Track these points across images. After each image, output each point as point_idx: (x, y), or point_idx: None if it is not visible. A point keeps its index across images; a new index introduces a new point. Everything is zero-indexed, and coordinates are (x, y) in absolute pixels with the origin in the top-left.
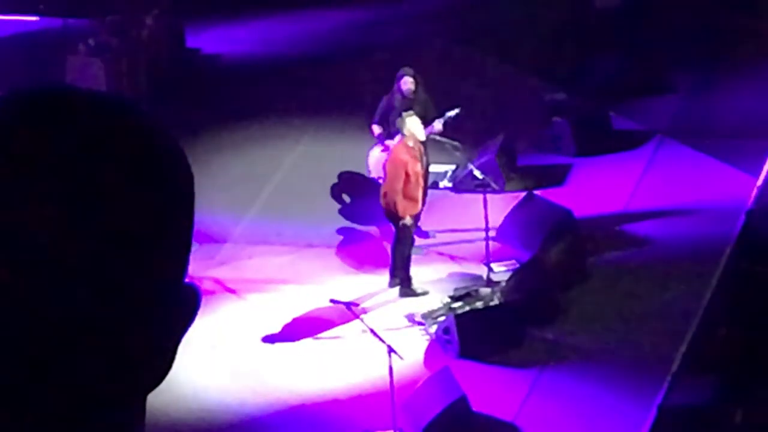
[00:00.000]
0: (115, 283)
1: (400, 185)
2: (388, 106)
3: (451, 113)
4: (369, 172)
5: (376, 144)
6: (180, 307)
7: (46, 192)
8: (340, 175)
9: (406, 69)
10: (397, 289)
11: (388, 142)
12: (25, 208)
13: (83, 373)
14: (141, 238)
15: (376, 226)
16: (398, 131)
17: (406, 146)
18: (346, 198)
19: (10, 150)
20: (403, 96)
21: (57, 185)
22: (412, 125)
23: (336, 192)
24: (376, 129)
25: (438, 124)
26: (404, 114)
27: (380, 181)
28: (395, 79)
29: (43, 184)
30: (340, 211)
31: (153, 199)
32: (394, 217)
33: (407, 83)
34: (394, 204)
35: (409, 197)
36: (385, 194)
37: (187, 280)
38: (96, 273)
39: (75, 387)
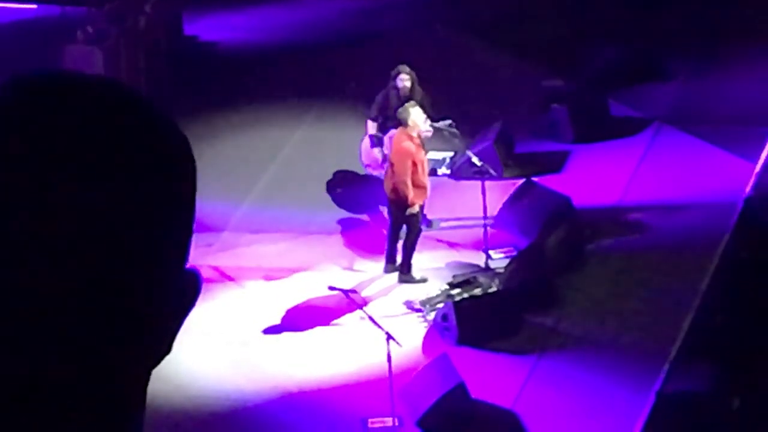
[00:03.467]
0: (117, 267)
1: (408, 174)
2: (385, 102)
3: (443, 124)
4: (362, 161)
5: (365, 136)
6: (181, 291)
7: (47, 177)
8: (336, 173)
9: (402, 66)
10: (395, 276)
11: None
12: (26, 192)
13: (81, 353)
14: (143, 222)
15: (369, 214)
16: (393, 127)
17: (409, 135)
18: (340, 190)
19: (10, 135)
20: (399, 93)
21: (58, 171)
22: (416, 115)
23: (332, 187)
24: (371, 126)
25: (428, 127)
26: (407, 104)
27: (370, 170)
28: (391, 76)
29: (44, 169)
30: (336, 201)
31: (155, 184)
32: (401, 206)
33: (403, 80)
34: (404, 193)
35: (418, 185)
36: (394, 185)
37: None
38: (98, 256)
39: (74, 367)
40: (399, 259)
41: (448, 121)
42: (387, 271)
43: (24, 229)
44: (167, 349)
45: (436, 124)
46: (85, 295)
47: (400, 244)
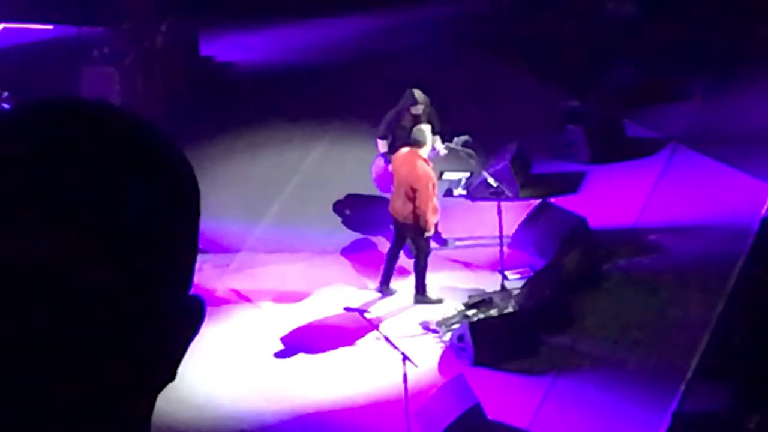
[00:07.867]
0: (117, 292)
1: (432, 198)
2: (395, 123)
3: (460, 140)
4: (374, 182)
5: (378, 156)
6: (184, 317)
7: (48, 200)
8: (346, 197)
9: (417, 94)
10: (411, 296)
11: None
12: (26, 214)
13: (81, 379)
14: (144, 247)
15: (383, 236)
16: (402, 145)
17: (423, 158)
18: (348, 212)
19: (13, 157)
20: (412, 115)
21: (58, 194)
22: (430, 137)
23: (339, 209)
24: (382, 144)
25: (443, 149)
26: (421, 125)
27: (382, 192)
28: (405, 98)
29: (44, 192)
30: (346, 223)
31: (156, 210)
32: (419, 230)
33: (418, 110)
34: (425, 217)
35: (434, 208)
36: (416, 208)
37: (198, 289)
38: (97, 281)
39: (74, 393)
40: (406, 279)
41: (464, 137)
42: (382, 291)
43: (23, 252)
44: (171, 377)
45: (452, 143)
46: (84, 322)
47: (410, 264)
